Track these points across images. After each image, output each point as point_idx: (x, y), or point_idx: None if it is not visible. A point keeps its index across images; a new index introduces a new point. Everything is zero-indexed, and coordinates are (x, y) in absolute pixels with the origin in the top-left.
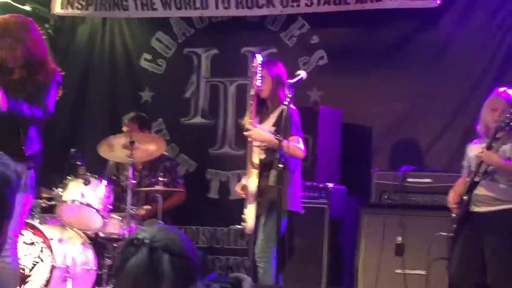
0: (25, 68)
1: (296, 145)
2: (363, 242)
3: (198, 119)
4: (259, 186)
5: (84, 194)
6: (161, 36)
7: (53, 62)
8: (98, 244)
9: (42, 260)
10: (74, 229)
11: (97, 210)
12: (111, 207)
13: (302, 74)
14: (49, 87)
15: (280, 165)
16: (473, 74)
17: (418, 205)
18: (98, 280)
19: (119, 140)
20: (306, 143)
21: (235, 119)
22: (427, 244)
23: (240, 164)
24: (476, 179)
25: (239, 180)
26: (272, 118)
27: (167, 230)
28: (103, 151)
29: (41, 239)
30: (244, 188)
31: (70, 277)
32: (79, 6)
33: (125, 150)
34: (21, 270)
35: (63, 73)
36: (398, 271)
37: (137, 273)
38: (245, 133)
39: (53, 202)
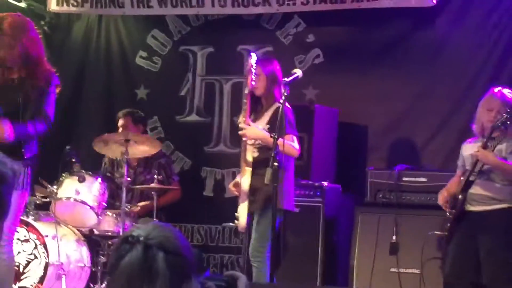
0: (23, 68)
1: (291, 144)
2: (358, 241)
3: (193, 117)
4: (251, 184)
5: (79, 191)
6: (157, 34)
7: (48, 63)
8: (93, 241)
9: (36, 257)
10: (69, 226)
11: (92, 207)
12: (105, 204)
13: (298, 72)
14: (48, 93)
15: (276, 163)
16: (468, 74)
17: (413, 204)
18: (93, 277)
19: (114, 138)
20: (301, 141)
21: (231, 117)
22: (421, 243)
23: (235, 162)
24: (471, 178)
25: (234, 178)
26: (267, 116)
27: (162, 228)
28: (98, 146)
29: (36, 236)
30: (237, 186)
31: (64, 274)
32: (75, 3)
33: (120, 147)
34: (15, 267)
35: (57, 73)
36: (393, 270)
37: (132, 270)
38: (239, 132)
39: (47, 199)
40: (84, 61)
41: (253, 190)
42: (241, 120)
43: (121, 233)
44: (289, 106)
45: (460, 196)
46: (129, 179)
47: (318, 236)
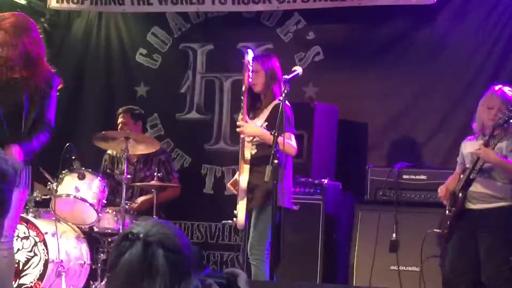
0: (24, 68)
1: (289, 142)
2: (358, 239)
3: (193, 114)
4: (250, 182)
5: (79, 189)
6: (157, 31)
7: (49, 64)
8: (92, 238)
9: (36, 254)
10: (69, 223)
11: (92, 205)
12: (105, 201)
13: (298, 70)
14: (50, 96)
15: (276, 161)
16: (468, 72)
17: (413, 202)
18: (92, 275)
19: (113, 135)
20: (301, 139)
21: (231, 115)
22: (421, 240)
23: (235, 160)
24: (472, 176)
25: (234, 175)
26: (265, 113)
27: (162, 225)
28: (98, 142)
29: (35, 233)
30: (236, 184)
31: (64, 271)
32: (75, 0)
33: (120, 144)
34: (15, 264)
35: (57, 71)
36: (393, 267)
37: (131, 267)
38: (237, 129)
39: (47, 196)
40: (84, 58)
41: (251, 187)
42: (239, 117)
43: (121, 230)
44: (288, 103)
45: (460, 194)
46: (129, 176)
47: (318, 234)
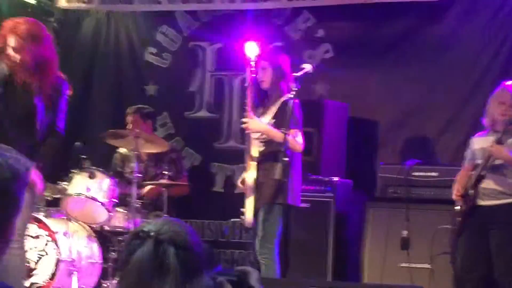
0: (37, 73)
1: (296, 139)
2: (369, 236)
3: (203, 113)
4: (257, 179)
5: (89, 188)
6: (166, 30)
7: (59, 71)
8: (104, 237)
9: (47, 254)
10: (79, 222)
11: (102, 204)
12: (116, 200)
13: (307, 67)
14: (60, 103)
15: (285, 158)
16: (478, 68)
17: (423, 198)
18: (104, 273)
19: (123, 134)
20: (311, 137)
21: (240, 113)
22: (432, 238)
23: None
24: (483, 172)
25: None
26: (273, 109)
27: (173, 223)
28: (108, 139)
29: (47, 233)
30: (244, 181)
31: (75, 271)
32: (84, 0)
33: (130, 143)
34: (26, 264)
35: (67, 71)
36: (403, 264)
37: (143, 265)
38: (242, 125)
39: (58, 196)
40: (93, 57)
41: (258, 185)
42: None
43: (131, 229)
44: (297, 100)
45: (471, 191)
46: (139, 175)
47: (329, 231)
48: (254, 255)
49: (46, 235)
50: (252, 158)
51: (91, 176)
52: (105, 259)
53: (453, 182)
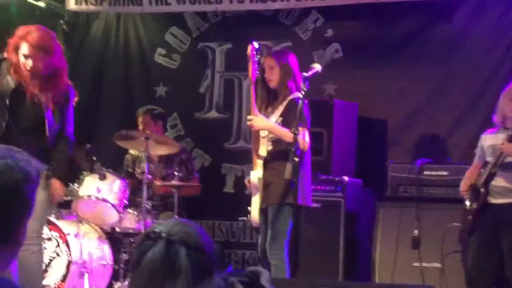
0: (46, 81)
1: (303, 139)
2: (379, 235)
3: (212, 114)
4: (265, 179)
5: (100, 189)
6: (175, 31)
7: (67, 78)
8: (115, 239)
9: (58, 255)
10: (91, 224)
11: (113, 205)
12: (127, 202)
13: (317, 67)
14: (68, 110)
15: (296, 158)
16: (487, 67)
17: (434, 198)
18: (115, 275)
19: (133, 136)
20: (321, 137)
21: (250, 113)
22: (443, 237)
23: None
24: (494, 170)
25: None
26: (280, 108)
27: (184, 224)
28: (119, 140)
29: (58, 234)
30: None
31: (86, 272)
32: (93, 2)
33: (140, 144)
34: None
35: (77, 73)
36: (415, 264)
37: (154, 266)
38: (247, 123)
39: (69, 198)
40: (103, 59)
41: (266, 184)
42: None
43: (142, 230)
44: (305, 100)
45: (482, 189)
46: (149, 176)
47: (339, 231)
48: (261, 254)
49: (57, 237)
50: (259, 157)
51: (102, 178)
52: (116, 260)
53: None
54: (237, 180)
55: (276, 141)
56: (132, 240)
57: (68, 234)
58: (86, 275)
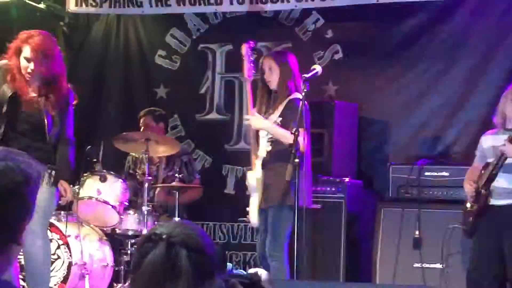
0: (47, 85)
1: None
2: (380, 236)
3: (213, 115)
4: (264, 180)
5: (101, 191)
6: (176, 32)
7: (66, 82)
8: (115, 240)
9: (59, 257)
10: (91, 225)
11: (114, 207)
12: (127, 203)
13: (317, 68)
14: (68, 113)
15: (296, 160)
16: (488, 68)
17: (435, 199)
18: (116, 276)
19: (134, 137)
20: (322, 138)
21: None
22: (444, 238)
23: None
24: (495, 171)
25: None
26: (280, 109)
27: (185, 226)
28: (119, 144)
29: (58, 236)
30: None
31: (87, 274)
32: (94, 3)
33: (141, 146)
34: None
35: (77, 75)
36: (416, 265)
37: (155, 268)
38: (245, 122)
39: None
40: (104, 61)
41: (266, 185)
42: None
43: (143, 232)
44: (305, 101)
45: (483, 191)
46: (150, 177)
47: (341, 232)
48: (259, 255)
49: (58, 239)
50: (258, 157)
51: (102, 180)
52: (116, 262)
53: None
54: (238, 182)
55: (276, 142)
56: (133, 242)
57: (69, 235)
58: (87, 277)
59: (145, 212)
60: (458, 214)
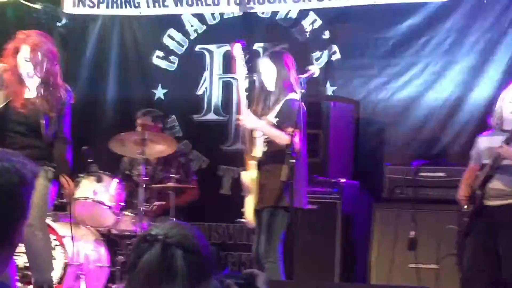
0: (43, 84)
1: (282, 135)
2: (376, 237)
3: (210, 116)
4: (260, 181)
5: (97, 192)
6: (173, 33)
7: (63, 81)
8: (111, 241)
9: (55, 258)
10: (87, 226)
11: (110, 207)
12: (123, 204)
13: (314, 69)
14: (65, 113)
15: (292, 160)
16: (485, 68)
17: (431, 199)
18: (111, 277)
19: (131, 137)
20: (318, 138)
21: None
22: (440, 238)
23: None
24: (490, 173)
25: None
26: (276, 109)
27: (180, 226)
28: (115, 146)
29: (54, 237)
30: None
31: (83, 274)
32: (91, 4)
33: (137, 147)
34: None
35: (74, 75)
36: (411, 265)
37: (150, 269)
38: (238, 122)
39: (65, 200)
40: (100, 62)
41: (261, 186)
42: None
43: (139, 233)
44: (301, 102)
45: (478, 191)
46: (146, 178)
47: (336, 233)
48: (255, 256)
49: (54, 239)
50: (252, 158)
51: (98, 180)
52: (112, 262)
53: (460, 182)
54: (234, 182)
55: (271, 142)
56: (128, 242)
57: (65, 236)
58: (83, 277)
59: (141, 213)
60: (453, 214)
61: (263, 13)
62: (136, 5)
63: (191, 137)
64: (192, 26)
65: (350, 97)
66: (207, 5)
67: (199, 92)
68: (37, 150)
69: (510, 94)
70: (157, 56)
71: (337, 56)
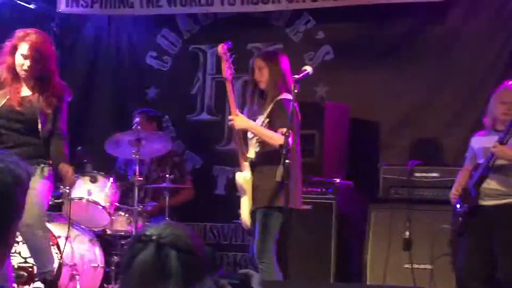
0: (41, 82)
1: (275, 135)
2: (371, 237)
3: (204, 116)
4: (253, 181)
5: (91, 192)
6: (167, 33)
7: (59, 79)
8: (105, 241)
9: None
10: (82, 226)
11: (104, 208)
12: (118, 204)
13: (308, 69)
14: (61, 110)
15: (287, 161)
16: (480, 69)
17: (426, 199)
18: (106, 277)
19: (125, 137)
20: (312, 138)
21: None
22: (434, 238)
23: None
24: (485, 173)
25: None
26: (268, 109)
27: (175, 227)
28: (110, 148)
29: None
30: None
31: (77, 275)
32: (84, 4)
33: (132, 147)
34: (29, 269)
35: (68, 75)
36: (406, 265)
37: (145, 269)
38: (229, 122)
39: (60, 200)
40: (94, 61)
41: (254, 187)
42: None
43: (133, 233)
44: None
45: (471, 190)
46: (141, 178)
47: (331, 233)
48: (251, 256)
49: None
50: (246, 159)
51: (93, 180)
52: (107, 263)
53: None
54: (229, 182)
55: (263, 143)
56: (123, 243)
57: (59, 236)
58: (77, 278)
59: (136, 213)
60: (448, 214)
61: (257, 13)
62: (130, 5)
63: (184, 137)
64: (185, 26)
65: (344, 97)
66: (200, 5)
67: (193, 92)
68: (32, 147)
69: (501, 95)
70: (151, 56)
71: (330, 56)
